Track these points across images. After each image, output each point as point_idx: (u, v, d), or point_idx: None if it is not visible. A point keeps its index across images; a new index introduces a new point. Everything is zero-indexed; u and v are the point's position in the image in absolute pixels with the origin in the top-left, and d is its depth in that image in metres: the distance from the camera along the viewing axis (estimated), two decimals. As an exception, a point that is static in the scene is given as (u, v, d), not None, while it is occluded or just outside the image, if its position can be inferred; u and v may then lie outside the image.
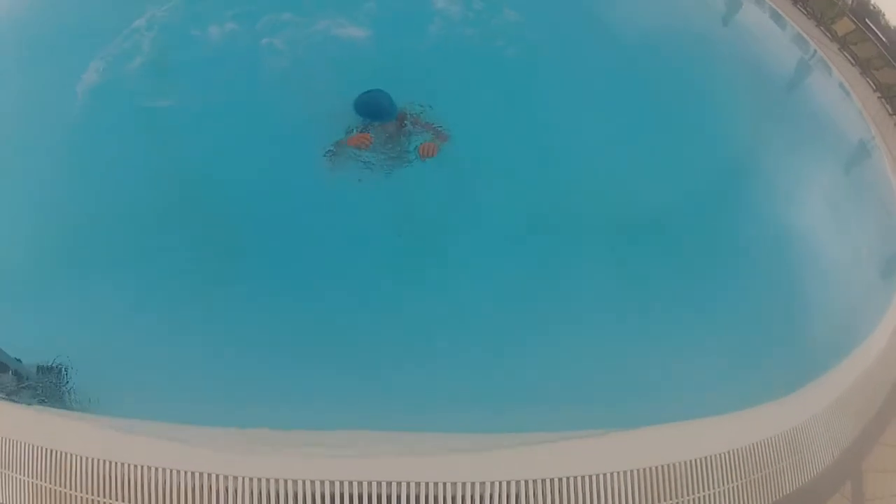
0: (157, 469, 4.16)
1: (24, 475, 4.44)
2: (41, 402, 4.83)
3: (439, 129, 7.09)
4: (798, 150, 7.22)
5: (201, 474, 4.13)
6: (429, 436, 4.84)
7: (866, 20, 9.72)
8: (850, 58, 9.40)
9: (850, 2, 10.05)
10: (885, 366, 5.85)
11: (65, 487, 4.35)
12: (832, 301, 6.05)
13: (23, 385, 5.01)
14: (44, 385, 4.98)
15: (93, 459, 4.32)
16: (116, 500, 4.20)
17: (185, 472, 4.14)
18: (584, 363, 5.31)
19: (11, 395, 4.94)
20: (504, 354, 5.42)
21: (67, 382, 5.04)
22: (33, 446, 4.50)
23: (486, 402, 5.10)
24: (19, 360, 5.18)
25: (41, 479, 4.38)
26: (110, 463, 4.24)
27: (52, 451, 4.46)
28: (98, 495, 4.26)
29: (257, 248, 6.05)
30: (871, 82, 9.19)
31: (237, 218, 6.23)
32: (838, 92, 8.70)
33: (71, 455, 4.40)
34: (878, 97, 8.83)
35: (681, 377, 5.29)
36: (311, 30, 7.74)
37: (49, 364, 5.08)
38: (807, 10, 10.05)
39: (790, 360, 5.58)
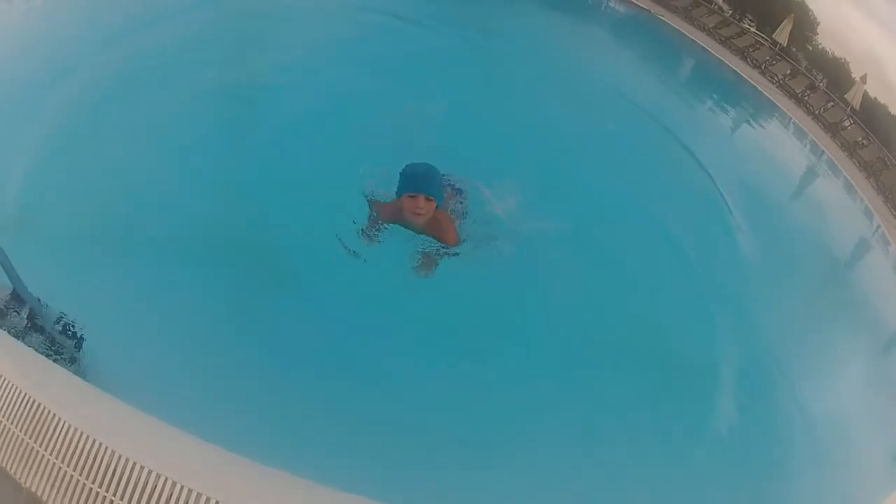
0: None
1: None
2: (48, 356, 4.59)
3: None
4: (847, 332, 7.18)
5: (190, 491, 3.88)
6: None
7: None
8: (910, 238, 9.45)
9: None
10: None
11: (39, 446, 4.10)
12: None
13: (37, 329, 4.75)
14: (60, 343, 4.71)
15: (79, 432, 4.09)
16: (94, 482, 3.93)
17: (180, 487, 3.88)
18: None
19: (19, 335, 4.65)
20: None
21: (81, 356, 4.77)
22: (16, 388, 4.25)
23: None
24: (40, 301, 4.79)
25: (16, 426, 4.14)
26: (97, 443, 4.00)
27: (34, 402, 4.23)
28: (75, 470, 4.00)
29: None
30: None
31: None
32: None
33: (56, 417, 4.17)
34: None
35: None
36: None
37: (73, 328, 4.79)
38: (878, 185, 10.18)
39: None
